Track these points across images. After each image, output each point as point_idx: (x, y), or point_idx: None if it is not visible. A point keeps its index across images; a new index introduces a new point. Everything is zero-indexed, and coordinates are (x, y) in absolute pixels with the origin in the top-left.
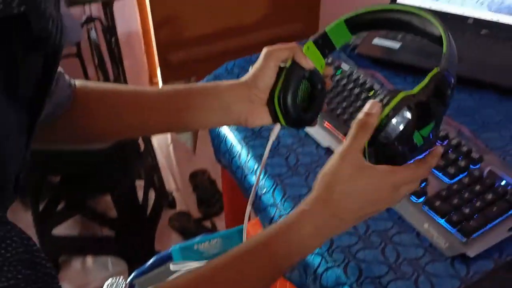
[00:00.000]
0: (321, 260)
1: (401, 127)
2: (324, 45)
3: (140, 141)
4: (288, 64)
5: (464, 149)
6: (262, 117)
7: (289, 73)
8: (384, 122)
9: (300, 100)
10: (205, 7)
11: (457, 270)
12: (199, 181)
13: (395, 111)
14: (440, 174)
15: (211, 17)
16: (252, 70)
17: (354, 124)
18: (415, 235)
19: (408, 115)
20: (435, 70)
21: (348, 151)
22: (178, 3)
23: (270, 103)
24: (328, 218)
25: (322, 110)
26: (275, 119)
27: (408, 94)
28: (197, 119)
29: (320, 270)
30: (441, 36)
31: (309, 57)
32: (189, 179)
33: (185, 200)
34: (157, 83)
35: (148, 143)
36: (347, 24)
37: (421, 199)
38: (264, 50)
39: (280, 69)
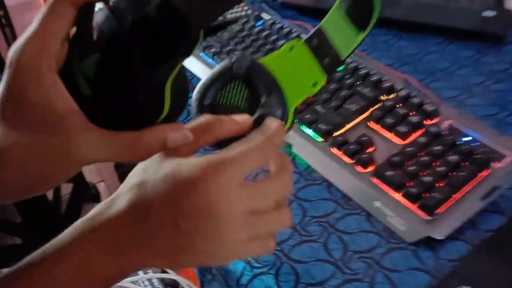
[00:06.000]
0: (245, 266)
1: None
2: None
3: None
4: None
5: (415, 101)
6: None
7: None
8: None
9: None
10: None
11: (422, 260)
12: (126, 168)
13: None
14: (389, 135)
15: None
16: None
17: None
18: (365, 218)
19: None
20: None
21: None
22: None
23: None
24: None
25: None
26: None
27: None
28: None
29: (244, 279)
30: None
31: (292, 64)
32: (114, 168)
33: (112, 191)
34: None
35: None
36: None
37: (369, 170)
38: None
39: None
